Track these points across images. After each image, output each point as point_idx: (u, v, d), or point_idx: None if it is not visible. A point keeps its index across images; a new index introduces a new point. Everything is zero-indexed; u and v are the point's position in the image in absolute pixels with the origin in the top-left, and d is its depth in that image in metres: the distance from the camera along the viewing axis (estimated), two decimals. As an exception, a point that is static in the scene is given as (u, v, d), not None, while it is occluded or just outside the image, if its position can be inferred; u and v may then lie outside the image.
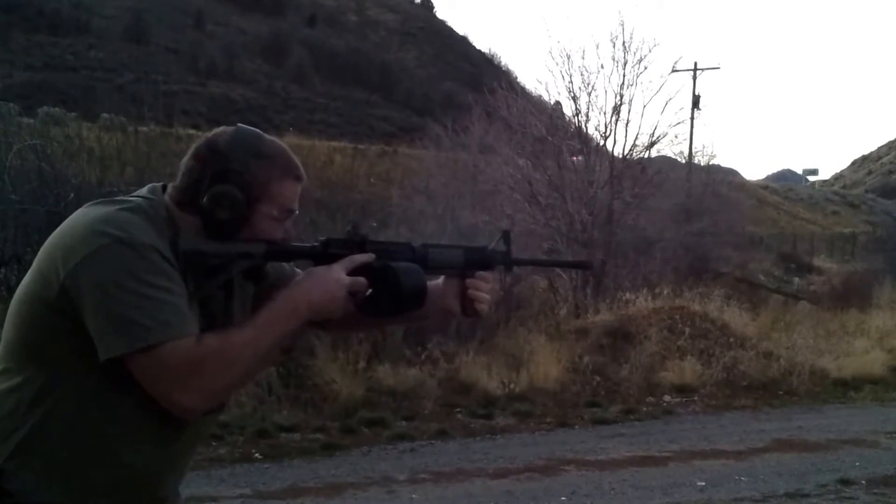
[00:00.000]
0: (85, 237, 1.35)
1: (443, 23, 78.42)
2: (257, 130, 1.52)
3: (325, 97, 51.93)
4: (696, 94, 24.38)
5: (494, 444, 6.83)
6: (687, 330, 9.95)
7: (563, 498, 5.40)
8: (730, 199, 26.31)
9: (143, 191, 1.49)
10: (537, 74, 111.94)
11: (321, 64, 54.86)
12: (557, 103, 15.77)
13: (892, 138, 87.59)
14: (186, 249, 1.39)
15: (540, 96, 16.58)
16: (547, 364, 8.45)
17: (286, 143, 1.57)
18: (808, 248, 34.53)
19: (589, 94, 14.21)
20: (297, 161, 1.53)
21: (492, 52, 77.27)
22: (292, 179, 1.51)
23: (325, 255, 1.52)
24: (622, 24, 16.71)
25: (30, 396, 1.37)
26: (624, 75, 14.19)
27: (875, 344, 11.56)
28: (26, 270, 1.44)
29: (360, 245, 1.54)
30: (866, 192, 69.65)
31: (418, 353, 8.08)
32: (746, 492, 5.61)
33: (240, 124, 1.52)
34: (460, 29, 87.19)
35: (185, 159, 1.49)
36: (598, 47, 22.99)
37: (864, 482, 5.89)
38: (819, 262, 30.50)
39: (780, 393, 9.24)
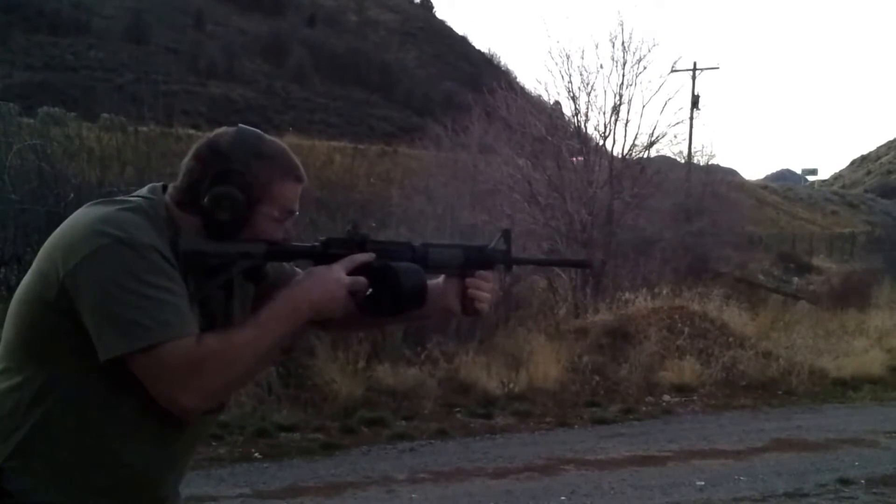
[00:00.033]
0: (85, 237, 1.35)
1: (442, 23, 78.44)
2: (258, 131, 1.52)
3: (325, 97, 51.91)
4: (696, 93, 24.43)
5: (494, 444, 6.83)
6: (686, 330, 9.95)
7: (563, 497, 5.40)
8: (729, 198, 26.31)
9: (144, 191, 1.49)
10: (537, 74, 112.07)
11: (321, 64, 54.84)
12: (557, 103, 15.80)
13: (891, 138, 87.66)
14: (186, 249, 1.40)
15: (539, 96, 16.61)
16: (546, 364, 8.46)
17: (286, 143, 1.58)
18: (808, 247, 34.54)
19: (588, 94, 14.24)
20: (298, 162, 1.53)
21: (491, 52, 77.31)
22: (293, 180, 1.51)
23: (325, 254, 1.52)
24: (621, 24, 16.79)
25: (30, 396, 1.38)
26: (623, 75, 14.23)
27: (874, 343, 11.57)
28: (26, 270, 1.44)
29: (361, 245, 1.54)
30: (865, 191, 69.63)
31: (418, 352, 8.08)
32: (746, 491, 5.61)
33: (241, 125, 1.53)
34: (460, 29, 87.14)
35: (186, 160, 1.49)
36: (597, 47, 23.12)
37: (863, 482, 5.90)
38: (818, 261, 30.50)
39: (780, 393, 9.24)
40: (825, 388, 9.60)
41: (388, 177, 21.76)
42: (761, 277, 23.51)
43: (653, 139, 14.85)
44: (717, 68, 41.67)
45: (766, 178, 73.76)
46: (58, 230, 1.42)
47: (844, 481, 5.87)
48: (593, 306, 11.24)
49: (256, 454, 6.14)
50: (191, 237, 1.43)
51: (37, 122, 11.52)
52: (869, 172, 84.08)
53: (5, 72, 35.58)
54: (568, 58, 14.50)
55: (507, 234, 1.78)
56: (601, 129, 14.37)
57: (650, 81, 22.70)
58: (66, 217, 1.46)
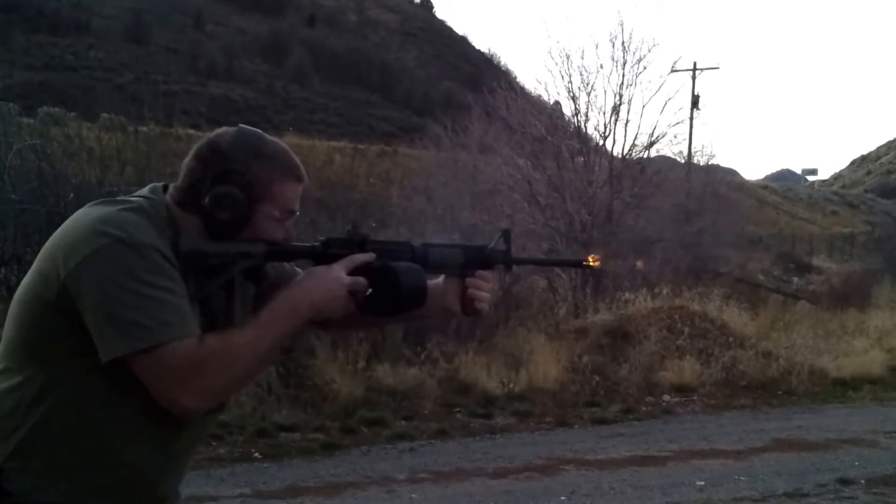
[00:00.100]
0: (86, 237, 1.35)
1: (442, 23, 78.47)
2: (259, 131, 1.52)
3: (324, 97, 51.91)
4: (696, 93, 24.42)
5: (494, 444, 6.83)
6: (686, 330, 9.95)
7: (563, 497, 5.40)
8: (729, 199, 26.31)
9: (145, 191, 1.49)
10: (537, 74, 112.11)
11: (321, 64, 54.84)
12: (557, 103, 15.80)
13: (891, 138, 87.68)
14: (187, 249, 1.40)
15: (539, 96, 16.61)
16: (546, 364, 8.46)
17: (286, 143, 1.58)
18: (808, 247, 34.55)
19: (588, 94, 14.24)
20: (299, 162, 1.53)
21: (491, 52, 77.39)
22: (293, 180, 1.51)
23: (325, 254, 1.52)
24: (621, 24, 16.77)
25: (30, 396, 1.38)
26: (623, 75, 14.22)
27: (874, 343, 11.57)
28: (26, 270, 1.44)
29: (360, 245, 1.54)
30: (865, 191, 69.65)
31: (418, 352, 8.09)
32: (746, 491, 5.61)
33: (241, 125, 1.53)
34: (460, 29, 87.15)
35: (187, 159, 1.49)
36: (597, 47, 23.10)
37: (863, 482, 5.90)
38: (818, 261, 30.52)
39: (780, 392, 9.25)
40: (825, 388, 9.60)
41: (388, 177, 21.77)
42: (761, 277, 23.52)
43: (653, 139, 14.86)
44: (717, 68, 41.74)
45: (766, 178, 73.86)
46: (59, 230, 1.42)
47: (844, 481, 5.87)
48: (593, 306, 11.24)
49: (256, 454, 6.14)
50: (191, 237, 1.43)
51: (37, 122, 11.52)
52: (869, 172, 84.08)
53: (5, 72, 35.57)
54: (568, 58, 14.50)
55: (506, 234, 1.78)
56: (601, 129, 14.38)
57: (650, 81, 22.71)
58: (66, 217, 1.47)
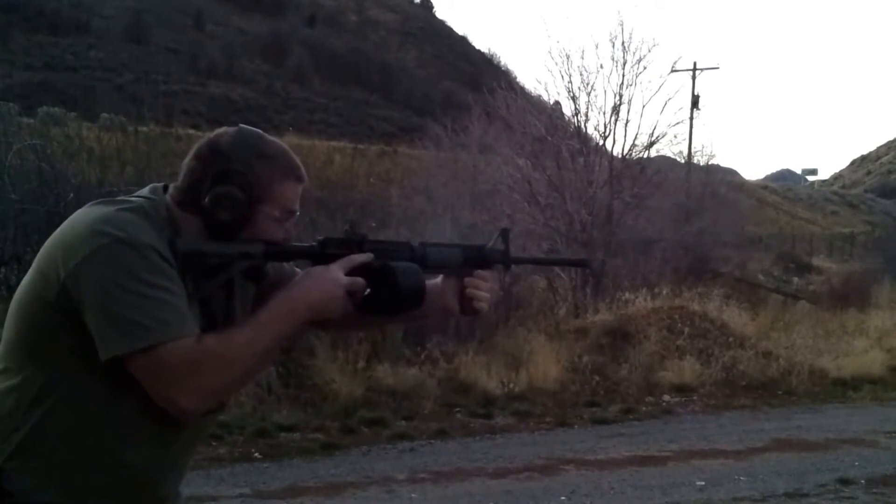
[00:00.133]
0: (85, 237, 1.35)
1: (442, 23, 78.44)
2: (259, 131, 1.52)
3: (324, 97, 51.89)
4: (696, 93, 24.43)
5: (494, 444, 6.83)
6: (686, 330, 9.95)
7: (563, 497, 5.40)
8: (729, 199, 26.33)
9: (145, 191, 1.49)
10: (537, 74, 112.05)
11: (321, 64, 54.82)
12: (557, 103, 15.80)
13: (891, 138, 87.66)
14: (184, 250, 1.40)
15: (539, 96, 16.61)
16: (546, 364, 8.46)
17: (286, 143, 1.58)
18: (808, 247, 34.57)
19: (588, 94, 14.25)
20: (299, 162, 1.53)
21: (491, 52, 77.29)
22: (294, 180, 1.51)
23: (323, 254, 1.52)
24: (621, 24, 16.79)
25: (30, 396, 1.38)
26: (623, 75, 14.23)
27: (874, 343, 11.57)
28: (26, 270, 1.44)
29: (359, 244, 1.54)
30: (865, 191, 69.68)
31: (418, 352, 8.09)
32: (746, 491, 5.61)
33: (242, 125, 1.52)
34: (460, 29, 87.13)
35: (187, 159, 1.49)
36: (597, 47, 23.13)
37: (863, 482, 5.90)
38: (818, 261, 30.54)
39: (780, 392, 9.24)
40: (825, 388, 9.60)
41: (387, 177, 21.77)
42: (761, 277, 23.52)
43: (653, 139, 14.87)
44: (717, 68, 41.71)
45: (766, 178, 73.87)
46: (58, 230, 1.43)
47: (844, 481, 5.87)
48: (593, 306, 11.24)
49: (256, 454, 6.14)
50: (190, 237, 1.43)
51: (37, 122, 11.52)
52: (869, 172, 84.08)
53: (5, 72, 35.57)
54: (568, 58, 14.52)
55: (505, 234, 1.78)
56: (601, 129, 14.39)
57: (650, 81, 22.74)
58: (66, 217, 1.46)
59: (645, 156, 15.15)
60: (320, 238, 1.55)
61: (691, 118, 22.73)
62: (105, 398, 1.38)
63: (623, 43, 14.24)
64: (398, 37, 69.13)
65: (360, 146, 30.66)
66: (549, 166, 13.49)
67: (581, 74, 14.22)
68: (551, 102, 15.92)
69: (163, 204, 1.46)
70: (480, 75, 40.47)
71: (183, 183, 1.47)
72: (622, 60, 14.20)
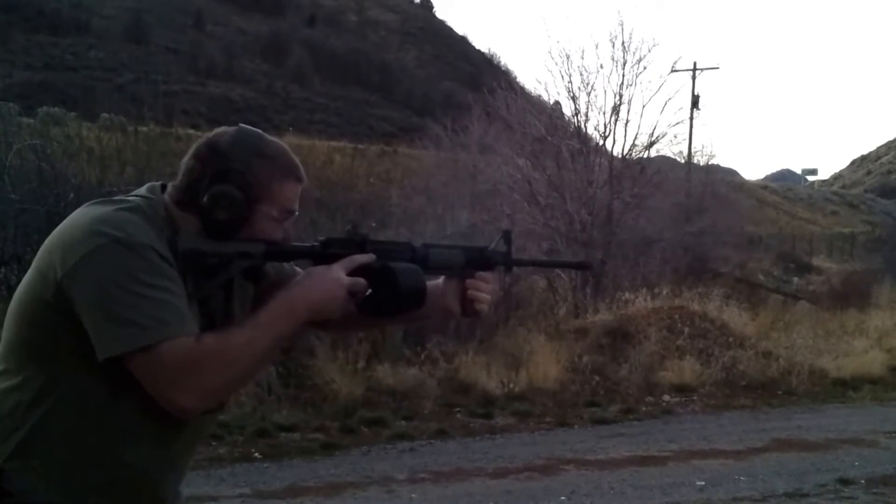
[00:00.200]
0: (83, 237, 1.35)
1: (442, 23, 78.45)
2: (258, 131, 1.51)
3: (324, 97, 51.90)
4: (696, 93, 24.44)
5: (494, 444, 6.83)
6: (686, 330, 9.95)
7: (563, 497, 5.40)
8: (729, 198, 26.35)
9: (143, 190, 1.49)
10: (537, 74, 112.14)
11: (321, 64, 54.83)
12: (557, 103, 15.80)
13: (891, 138, 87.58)
14: (185, 249, 1.39)
15: (539, 96, 16.62)
16: (546, 364, 8.46)
17: (286, 143, 1.57)
18: (808, 247, 34.57)
19: (588, 94, 14.25)
20: (298, 162, 1.53)
21: (491, 52, 77.31)
22: (293, 180, 1.51)
23: (324, 254, 1.52)
24: (621, 24, 16.76)
25: (30, 396, 1.38)
26: (623, 75, 14.23)
27: (874, 343, 11.57)
28: (26, 270, 1.44)
29: (360, 245, 1.54)
30: (865, 191, 69.66)
31: (418, 352, 8.09)
32: (746, 491, 5.61)
33: (241, 124, 1.52)
34: (460, 29, 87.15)
35: (186, 159, 1.48)
36: (597, 47, 23.15)
37: (863, 482, 5.90)
38: (818, 261, 30.53)
39: (780, 392, 9.24)
40: (825, 388, 9.60)
41: (387, 177, 21.76)
42: (761, 277, 23.52)
43: (653, 139, 14.87)
44: (717, 68, 41.71)
45: (766, 178, 73.87)
46: (56, 230, 1.42)
47: (844, 481, 5.87)
48: (593, 306, 11.24)
49: (256, 454, 6.14)
50: (189, 237, 1.43)
51: (37, 122, 11.53)
52: (869, 172, 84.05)
53: (5, 72, 35.57)
54: (568, 58, 14.52)
55: (507, 236, 1.78)
56: (601, 129, 14.39)
57: (650, 81, 22.71)
58: (66, 217, 1.46)
59: (645, 156, 15.17)
60: (322, 238, 1.55)
61: (691, 118, 22.76)
62: (105, 398, 1.38)
63: (623, 43, 14.26)
64: (398, 37, 69.13)
65: (360, 146, 30.65)
66: (549, 166, 13.49)
67: (581, 74, 14.24)
68: (551, 102, 15.93)
69: (161, 203, 1.46)
70: (480, 75, 40.49)
71: (181, 182, 1.47)
72: (622, 60, 14.22)
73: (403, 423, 7.16)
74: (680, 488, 5.65)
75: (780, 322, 12.32)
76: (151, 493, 1.48)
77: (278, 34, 56.38)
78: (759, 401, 8.91)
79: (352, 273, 1.49)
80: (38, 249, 1.43)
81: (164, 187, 1.50)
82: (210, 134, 1.51)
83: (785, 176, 78.78)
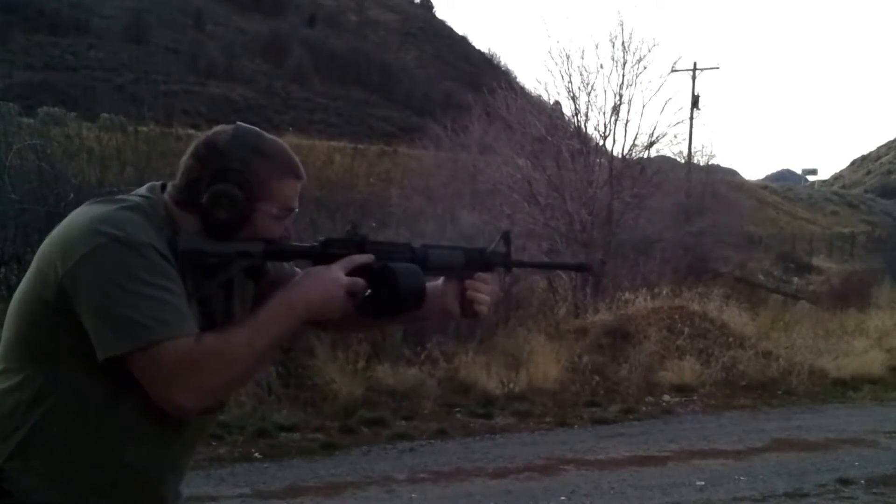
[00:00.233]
0: (83, 236, 1.35)
1: (442, 23, 78.39)
2: (257, 129, 1.51)
3: (324, 97, 51.88)
4: (696, 94, 24.48)
5: (494, 444, 6.83)
6: (686, 330, 9.95)
7: (563, 497, 5.40)
8: (729, 198, 26.38)
9: (143, 189, 1.49)
10: (537, 74, 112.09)
11: (321, 64, 54.81)
12: (557, 103, 15.81)
13: (891, 138, 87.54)
14: (185, 248, 1.39)
15: (539, 96, 16.63)
16: (546, 364, 8.46)
17: (286, 142, 1.58)
18: (808, 247, 34.58)
19: (588, 94, 14.25)
20: (297, 159, 1.53)
21: (491, 52, 77.23)
22: (292, 178, 1.51)
23: (324, 254, 1.52)
24: (621, 25, 16.74)
25: (30, 396, 1.37)
26: (623, 75, 14.23)
27: (874, 343, 11.57)
28: (26, 270, 1.43)
29: (360, 245, 1.53)
30: (865, 192, 69.64)
31: (418, 352, 8.09)
32: (745, 491, 5.61)
33: (239, 123, 1.52)
34: (460, 29, 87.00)
35: (185, 158, 1.48)
36: (597, 47, 23.10)
37: (863, 482, 5.90)
38: (818, 261, 30.55)
39: (780, 392, 9.25)
40: (825, 388, 9.60)
41: (388, 177, 21.79)
42: (761, 277, 23.53)
43: (653, 139, 14.87)
44: (717, 68, 41.75)
45: (766, 178, 73.85)
46: (56, 229, 1.42)
47: (844, 481, 5.87)
48: (593, 306, 11.24)
49: (256, 454, 6.14)
50: (189, 236, 1.42)
51: (37, 122, 11.53)
52: (869, 172, 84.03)
53: (5, 72, 35.55)
54: (568, 58, 14.52)
55: (506, 236, 1.78)
56: (601, 129, 14.40)
57: (650, 81, 22.68)
58: (66, 217, 1.46)
59: (645, 156, 15.18)
60: (322, 238, 1.55)
61: (691, 118, 22.78)
62: (105, 398, 1.37)
63: (623, 43, 14.26)
64: (398, 37, 69.12)
65: (360, 146, 30.66)
66: (549, 166, 13.50)
67: (581, 74, 14.24)
68: (551, 102, 15.94)
69: (161, 203, 1.46)
70: (480, 75, 40.46)
71: (181, 182, 1.47)
72: (622, 60, 14.22)
73: (403, 423, 7.16)
74: (680, 488, 5.65)
75: (780, 322, 12.31)
76: (151, 493, 1.48)
77: (278, 34, 56.35)
78: (759, 401, 8.91)
79: (351, 273, 1.49)
80: (37, 249, 1.43)
81: (164, 187, 1.50)
82: (208, 133, 1.50)
83: (785, 176, 78.76)
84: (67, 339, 1.36)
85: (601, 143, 14.45)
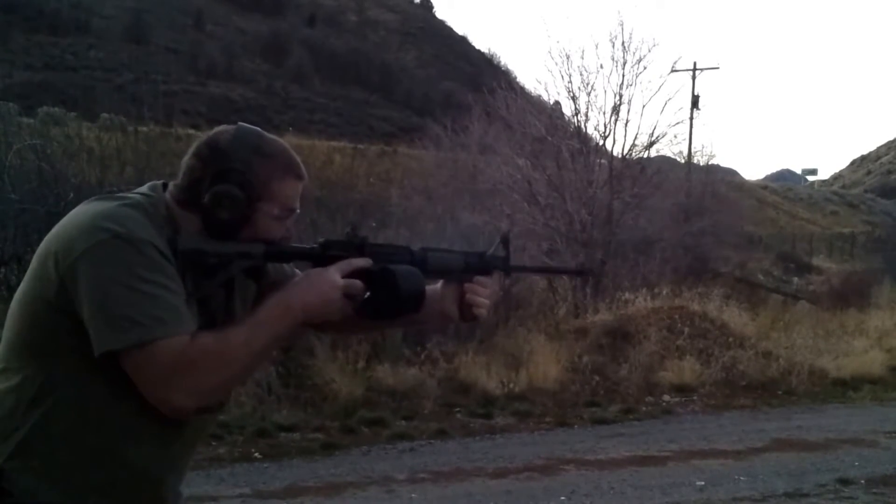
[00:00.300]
0: (84, 232, 1.35)
1: (442, 23, 78.43)
2: (258, 129, 1.51)
3: (324, 97, 51.88)
4: (696, 94, 24.44)
5: (494, 444, 6.83)
6: (686, 330, 9.95)
7: (563, 497, 5.40)
8: (729, 198, 26.39)
9: (144, 188, 1.49)
10: (537, 74, 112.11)
11: (321, 64, 54.82)
12: (557, 103, 15.81)
13: (891, 138, 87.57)
14: (185, 248, 1.39)
15: (539, 96, 16.63)
16: (546, 364, 8.46)
17: (286, 143, 1.58)
18: (807, 247, 34.58)
19: (588, 94, 14.25)
20: (298, 160, 1.53)
21: (491, 52, 77.29)
22: (293, 178, 1.51)
23: (323, 256, 1.52)
24: (621, 25, 16.78)
25: (30, 396, 1.37)
26: (623, 75, 14.23)
27: (874, 343, 11.57)
28: (26, 270, 1.43)
29: (360, 247, 1.53)
30: (865, 192, 69.62)
31: (418, 352, 8.09)
32: (745, 491, 5.61)
33: (240, 123, 1.52)
34: (460, 29, 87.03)
35: (186, 158, 1.48)
36: (597, 47, 23.17)
37: (863, 482, 5.90)
38: (818, 261, 30.56)
39: (780, 392, 9.24)
40: (825, 388, 9.60)
41: (387, 177, 21.81)
42: (761, 277, 23.54)
43: (653, 139, 14.87)
44: (717, 68, 41.68)
45: (766, 178, 73.86)
46: (58, 225, 1.42)
47: (844, 481, 5.87)
48: (593, 306, 11.24)
49: (256, 454, 6.14)
50: (190, 236, 1.43)
51: (37, 122, 11.54)
52: (869, 172, 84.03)
53: (5, 72, 35.55)
54: (568, 58, 14.52)
55: (505, 240, 1.78)
56: (601, 129, 14.39)
57: (650, 81, 22.79)
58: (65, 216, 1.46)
59: (645, 156, 15.17)
60: (321, 240, 1.55)
61: (691, 118, 22.76)
62: (105, 398, 1.37)
63: (623, 43, 14.26)
64: (398, 37, 69.12)
65: (360, 146, 30.69)
66: (549, 166, 13.50)
67: (581, 74, 14.24)
68: (551, 102, 15.94)
69: (162, 201, 1.46)
70: (480, 75, 40.48)
71: (182, 181, 1.47)
72: (622, 60, 14.21)
73: (403, 423, 7.16)
74: (680, 488, 5.65)
75: (780, 322, 12.32)
76: (151, 493, 1.48)
77: (278, 34, 56.36)
78: (759, 401, 8.91)
79: (349, 276, 1.49)
80: (37, 249, 1.43)
81: (165, 186, 1.50)
82: (210, 133, 1.50)
83: (785, 176, 78.75)
84: (68, 340, 1.36)
85: (601, 143, 14.46)
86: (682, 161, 24.15)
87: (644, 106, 15.63)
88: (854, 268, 24.81)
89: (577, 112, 14.38)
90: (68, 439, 1.38)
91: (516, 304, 9.98)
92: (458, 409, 7.69)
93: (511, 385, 8.15)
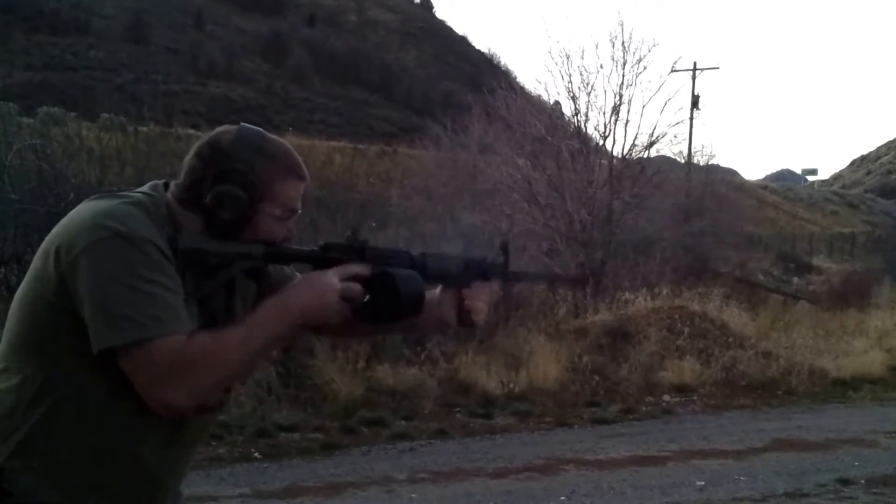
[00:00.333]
0: (85, 229, 1.35)
1: (442, 23, 78.44)
2: (260, 129, 1.51)
3: (324, 97, 51.89)
4: (696, 94, 24.42)
5: (494, 444, 6.83)
6: (686, 330, 9.95)
7: (563, 497, 5.40)
8: (729, 198, 26.35)
9: (145, 187, 1.49)
10: (537, 74, 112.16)
11: (321, 64, 54.83)
12: (557, 103, 15.82)
13: (891, 138, 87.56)
14: (185, 248, 1.39)
15: (539, 96, 16.65)
16: (546, 364, 8.46)
17: (287, 143, 1.58)
18: (807, 247, 34.58)
19: (588, 94, 14.26)
20: (300, 160, 1.53)
21: (491, 52, 77.30)
22: (295, 179, 1.51)
23: (323, 259, 1.52)
24: (621, 25, 16.76)
25: (30, 396, 1.37)
26: (623, 75, 14.24)
27: (874, 343, 11.57)
28: (26, 270, 1.43)
29: (360, 251, 1.53)
30: (865, 192, 69.62)
31: (418, 352, 8.09)
32: (745, 491, 5.61)
33: (243, 123, 1.52)
34: (460, 29, 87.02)
35: (188, 158, 1.48)
36: (597, 47, 23.15)
37: (863, 482, 5.90)
38: (818, 261, 30.55)
39: (780, 392, 9.25)
40: (825, 388, 9.60)
41: (387, 177, 21.82)
42: (761, 277, 23.54)
43: (653, 139, 14.88)
44: (717, 68, 41.64)
45: (766, 178, 73.84)
46: (59, 224, 1.42)
47: (844, 481, 5.87)
48: (593, 306, 11.24)
49: (256, 454, 6.14)
50: (190, 235, 1.43)
51: (37, 122, 11.54)
52: (869, 172, 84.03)
53: (5, 72, 35.53)
54: (568, 58, 14.52)
55: (505, 247, 1.78)
56: (601, 129, 14.40)
57: (650, 81, 22.76)
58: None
59: (645, 156, 15.18)
60: (322, 243, 1.55)
61: (691, 118, 22.77)
62: (105, 398, 1.37)
63: (623, 43, 14.27)
64: (398, 37, 69.12)
65: (360, 146, 30.70)
66: (549, 166, 13.50)
67: (581, 74, 14.25)
68: (551, 102, 15.95)
69: (163, 201, 1.46)
70: (480, 75, 40.46)
71: (184, 181, 1.47)
72: (622, 60, 14.23)
73: (403, 423, 7.16)
74: (680, 488, 5.66)
75: (780, 322, 12.32)
76: (151, 493, 1.48)
77: (278, 34, 56.37)
78: (758, 401, 8.91)
79: (347, 280, 1.49)
80: (38, 249, 1.43)
81: (167, 186, 1.50)
82: (212, 133, 1.50)
83: (785, 176, 78.76)
84: (68, 339, 1.36)
85: (601, 143, 14.47)
86: (682, 161, 24.16)
87: (644, 106, 15.67)
88: (854, 268, 24.83)
89: (577, 112, 14.41)
90: (68, 439, 1.38)
91: (516, 304, 9.97)
92: (458, 409, 7.69)
93: (511, 385, 8.15)
